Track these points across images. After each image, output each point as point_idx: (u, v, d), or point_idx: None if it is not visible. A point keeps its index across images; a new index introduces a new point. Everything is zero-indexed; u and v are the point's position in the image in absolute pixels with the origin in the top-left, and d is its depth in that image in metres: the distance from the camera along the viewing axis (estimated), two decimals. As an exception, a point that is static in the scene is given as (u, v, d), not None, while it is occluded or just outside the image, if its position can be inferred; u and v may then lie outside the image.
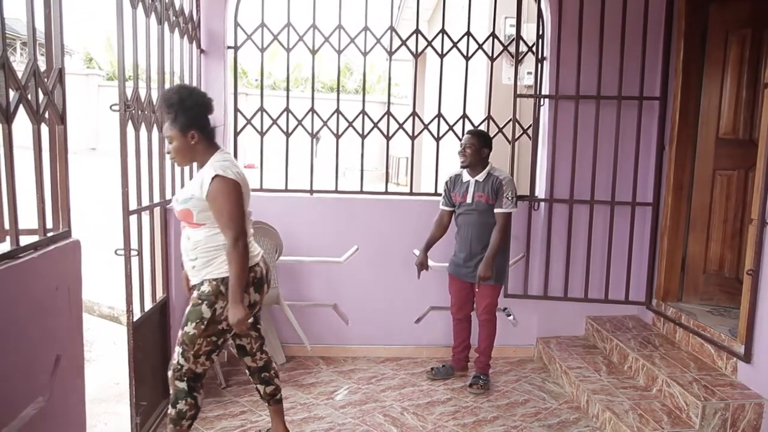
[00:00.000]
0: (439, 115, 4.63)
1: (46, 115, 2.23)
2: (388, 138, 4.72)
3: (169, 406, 2.75)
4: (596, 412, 3.61)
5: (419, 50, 4.64)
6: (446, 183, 4.18)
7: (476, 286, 4.01)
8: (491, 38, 4.67)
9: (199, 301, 2.66)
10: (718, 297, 4.36)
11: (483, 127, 4.65)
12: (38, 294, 2.06)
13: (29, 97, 2.09)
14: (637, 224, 4.53)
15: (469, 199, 4.01)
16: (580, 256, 4.58)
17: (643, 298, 4.61)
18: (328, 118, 4.60)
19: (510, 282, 4.58)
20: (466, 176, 4.06)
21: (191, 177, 4.12)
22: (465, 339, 4.29)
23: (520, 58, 4.53)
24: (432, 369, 4.32)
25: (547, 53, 4.52)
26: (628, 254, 4.51)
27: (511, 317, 4.67)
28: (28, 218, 2.14)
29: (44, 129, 2.25)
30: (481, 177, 3.99)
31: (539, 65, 4.53)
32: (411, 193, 4.75)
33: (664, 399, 3.56)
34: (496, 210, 3.91)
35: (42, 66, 2.19)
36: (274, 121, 4.55)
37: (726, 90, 4.22)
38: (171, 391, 2.76)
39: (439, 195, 4.35)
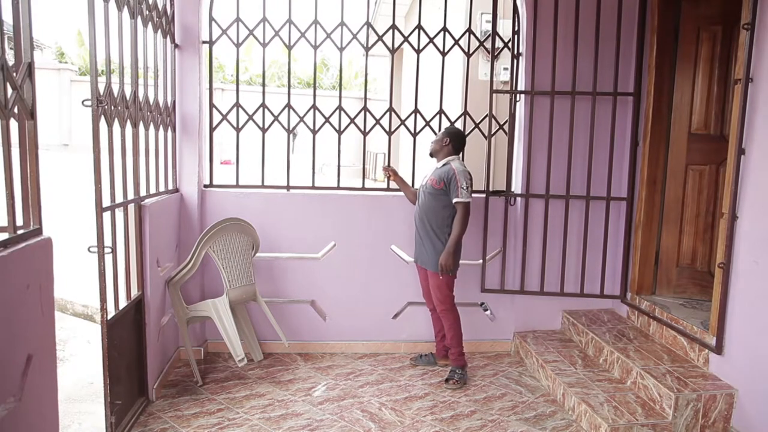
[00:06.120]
0: (416, 111, 4.63)
1: (15, 110, 2.19)
2: (365, 134, 4.71)
3: None
4: (572, 404, 3.65)
5: (396, 46, 4.64)
6: None
7: (427, 274, 4.13)
8: (467, 34, 4.68)
9: None
10: (690, 290, 4.44)
11: (459, 123, 4.69)
12: (8, 293, 2.02)
13: (-4, 92, 2.05)
14: (611, 219, 4.58)
15: (424, 182, 4.16)
16: (556, 250, 4.62)
17: (618, 292, 4.67)
18: (305, 114, 4.57)
19: (487, 277, 4.62)
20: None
21: (166, 173, 4.08)
22: (441, 328, 4.33)
23: (496, 54, 4.55)
24: (419, 356, 4.45)
25: (522, 49, 4.55)
26: (603, 249, 4.56)
27: (488, 312, 4.70)
28: (-3, 215, 2.10)
29: (14, 125, 2.20)
30: (440, 164, 4.12)
31: (515, 61, 4.56)
32: (388, 189, 4.74)
33: (638, 391, 3.62)
34: (453, 199, 3.95)
35: (11, 60, 2.14)
36: (250, 117, 4.52)
37: (698, 86, 4.29)
38: None
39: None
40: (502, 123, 4.67)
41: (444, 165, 4.06)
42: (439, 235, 3.99)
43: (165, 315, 3.99)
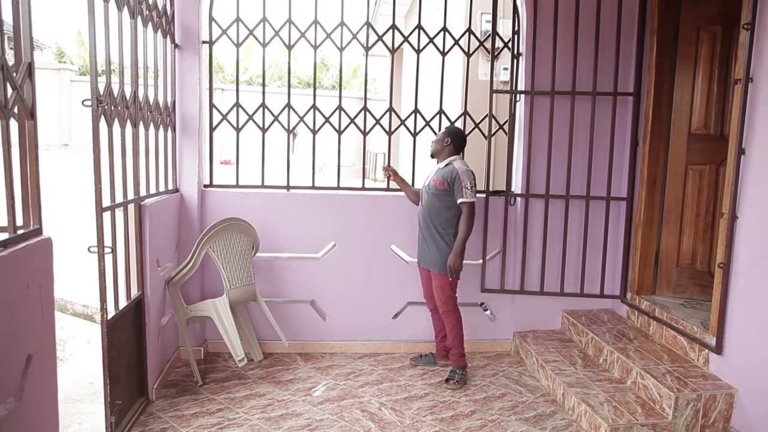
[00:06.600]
0: (416, 111, 4.63)
1: (15, 110, 2.18)
2: (365, 134, 4.71)
3: None
4: (572, 404, 3.65)
5: (396, 46, 4.63)
6: None
7: (430, 274, 4.12)
8: (467, 34, 4.68)
9: None
10: (690, 290, 4.44)
11: (459, 123, 4.68)
12: (8, 292, 2.02)
13: (-4, 92, 2.04)
14: (611, 219, 4.58)
15: (426, 182, 4.15)
16: (556, 250, 4.62)
17: (618, 292, 4.67)
18: (305, 114, 4.57)
19: (487, 277, 4.61)
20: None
21: (166, 173, 4.08)
22: (442, 329, 4.33)
23: (496, 53, 4.55)
24: (419, 356, 4.45)
25: (522, 49, 4.55)
26: (603, 248, 4.56)
27: (488, 312, 4.70)
28: (-3, 215, 2.10)
29: (14, 125, 2.20)
30: (442, 165, 4.11)
31: (515, 61, 4.56)
32: (388, 189, 4.74)
33: (638, 391, 3.62)
34: (458, 200, 3.95)
35: (11, 60, 2.14)
36: (250, 117, 4.52)
37: (698, 86, 4.29)
38: None
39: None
40: (502, 123, 4.66)
41: (447, 165, 4.06)
42: (444, 236, 3.98)
43: (165, 315, 3.99)
